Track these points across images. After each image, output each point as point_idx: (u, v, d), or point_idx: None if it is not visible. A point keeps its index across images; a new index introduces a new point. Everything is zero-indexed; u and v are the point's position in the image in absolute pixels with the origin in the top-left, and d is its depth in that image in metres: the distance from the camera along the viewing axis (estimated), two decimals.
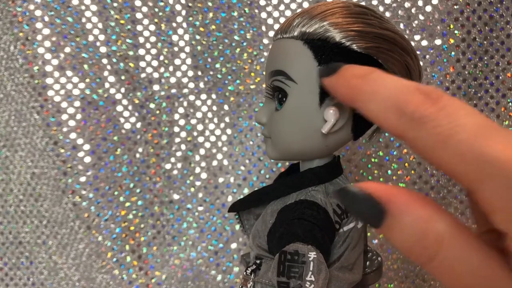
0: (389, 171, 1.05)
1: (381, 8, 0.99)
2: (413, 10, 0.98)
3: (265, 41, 1.03)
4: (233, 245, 1.08)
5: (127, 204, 1.07)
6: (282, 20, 1.02)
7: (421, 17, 0.98)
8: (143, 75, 1.04)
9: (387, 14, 0.99)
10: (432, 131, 0.22)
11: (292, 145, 0.59)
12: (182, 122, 1.06)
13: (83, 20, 1.01)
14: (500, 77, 1.00)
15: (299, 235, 0.53)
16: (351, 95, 0.27)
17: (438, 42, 0.99)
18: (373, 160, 1.05)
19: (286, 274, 0.51)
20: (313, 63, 0.54)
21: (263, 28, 1.02)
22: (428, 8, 0.98)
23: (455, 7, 0.97)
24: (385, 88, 0.24)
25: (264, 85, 1.04)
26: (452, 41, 0.98)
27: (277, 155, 0.61)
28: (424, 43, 0.98)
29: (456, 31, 0.98)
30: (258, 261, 0.62)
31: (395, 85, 0.24)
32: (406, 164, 1.04)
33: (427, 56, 0.99)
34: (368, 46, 0.53)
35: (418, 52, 0.96)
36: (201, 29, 1.03)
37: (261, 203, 0.64)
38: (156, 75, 1.04)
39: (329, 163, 0.62)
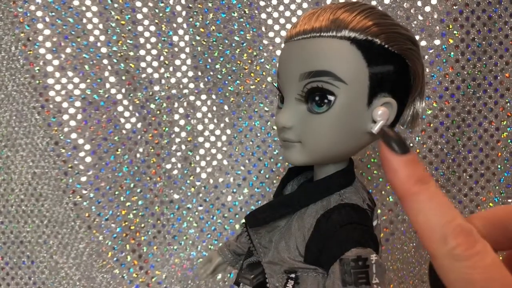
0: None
1: (380, 9, 0.99)
2: (412, 11, 0.98)
3: (265, 41, 1.03)
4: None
5: (128, 203, 1.07)
6: (282, 21, 1.02)
7: (420, 17, 0.98)
8: (143, 75, 1.04)
9: None
10: (464, 270, 0.27)
11: (331, 148, 0.56)
12: (182, 122, 1.06)
13: (84, 21, 1.01)
14: (499, 78, 1.00)
15: (358, 240, 0.51)
16: (406, 191, 0.30)
17: (437, 42, 0.99)
18: (372, 160, 1.05)
19: (354, 282, 0.49)
20: (363, 63, 0.52)
21: (263, 28, 1.03)
22: (427, 9, 0.98)
23: (454, 7, 0.97)
24: (438, 210, 0.29)
25: (264, 85, 1.05)
26: (451, 41, 0.98)
27: (306, 160, 0.57)
28: (423, 43, 0.98)
29: (455, 32, 0.98)
30: (292, 275, 0.58)
31: (445, 213, 0.29)
32: None
33: (426, 57, 0.99)
34: (404, 48, 0.54)
35: None
36: (201, 30, 1.03)
37: (288, 214, 0.60)
38: (156, 75, 1.05)
39: (351, 165, 0.61)
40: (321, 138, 0.55)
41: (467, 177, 1.04)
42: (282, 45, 0.62)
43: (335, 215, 0.54)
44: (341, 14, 0.53)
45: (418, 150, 1.03)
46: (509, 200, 1.04)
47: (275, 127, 1.04)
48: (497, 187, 1.04)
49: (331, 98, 0.53)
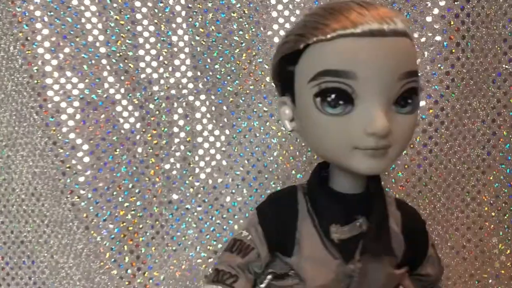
0: (387, 172, 1.03)
1: None
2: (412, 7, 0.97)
3: (264, 41, 1.02)
4: None
5: (126, 204, 1.07)
6: (281, 20, 1.01)
7: (420, 13, 0.97)
8: (142, 75, 1.04)
9: None
10: None
11: (406, 148, 0.59)
12: (181, 122, 1.06)
13: (83, 20, 1.02)
14: (502, 75, 0.98)
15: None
16: None
17: (438, 38, 0.97)
18: None
19: None
20: None
21: (262, 28, 1.02)
22: (428, 4, 0.97)
23: (455, 3, 0.95)
24: None
25: (263, 85, 1.04)
26: (452, 38, 0.97)
27: (389, 166, 0.56)
28: (424, 39, 0.96)
29: (456, 28, 0.96)
30: None
31: None
32: (406, 166, 1.02)
33: (427, 54, 0.97)
34: None
35: (417, 49, 0.96)
36: (201, 29, 1.03)
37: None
38: (155, 75, 1.04)
39: None
40: (409, 139, 0.55)
41: (469, 176, 1.02)
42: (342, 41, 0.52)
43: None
44: (390, 11, 0.53)
45: (420, 151, 1.01)
46: (498, 199, 1.02)
47: (274, 127, 1.03)
48: (486, 186, 1.03)
49: (416, 98, 0.54)
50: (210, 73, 1.04)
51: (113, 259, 1.08)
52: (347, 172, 0.57)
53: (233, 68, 1.04)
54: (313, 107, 0.53)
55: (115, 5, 1.02)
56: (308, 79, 0.53)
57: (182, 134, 1.06)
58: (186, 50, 1.04)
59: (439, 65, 0.98)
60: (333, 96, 0.52)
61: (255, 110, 1.04)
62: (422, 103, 0.98)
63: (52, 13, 1.01)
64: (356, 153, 0.52)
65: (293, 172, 1.05)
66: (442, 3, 0.96)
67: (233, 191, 1.07)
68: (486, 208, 1.03)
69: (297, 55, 0.55)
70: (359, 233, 0.56)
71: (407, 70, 0.51)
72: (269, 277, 0.60)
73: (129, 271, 1.08)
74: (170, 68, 1.04)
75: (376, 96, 0.51)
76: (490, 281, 1.04)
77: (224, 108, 1.05)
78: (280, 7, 1.01)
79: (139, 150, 1.06)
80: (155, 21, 1.03)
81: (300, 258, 0.59)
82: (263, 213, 0.63)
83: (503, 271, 1.04)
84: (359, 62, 0.50)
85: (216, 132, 1.06)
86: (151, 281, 1.08)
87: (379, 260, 0.56)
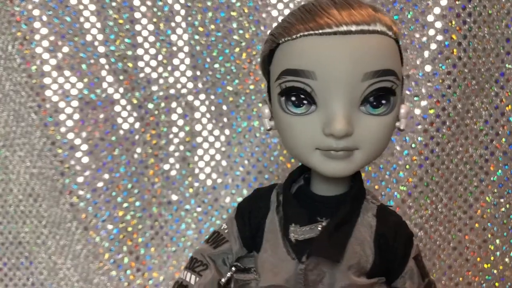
0: (389, 173, 1.02)
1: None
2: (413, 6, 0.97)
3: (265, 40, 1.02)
4: None
5: (125, 205, 1.06)
6: (281, 19, 1.00)
7: (421, 13, 0.96)
8: (141, 75, 1.03)
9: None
10: None
11: (381, 152, 0.55)
12: (180, 122, 1.05)
13: (81, 19, 1.01)
14: (505, 75, 0.98)
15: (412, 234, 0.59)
16: None
17: (439, 38, 0.97)
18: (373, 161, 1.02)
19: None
20: (400, 62, 0.54)
21: (262, 27, 1.01)
22: (429, 4, 0.96)
23: (457, 2, 0.95)
24: None
25: (263, 85, 1.03)
26: (454, 37, 0.96)
27: (356, 169, 0.54)
28: (425, 39, 0.96)
29: (457, 27, 0.96)
30: None
31: None
32: (407, 166, 1.01)
33: (428, 54, 0.97)
34: None
35: (418, 49, 0.95)
36: (200, 28, 1.02)
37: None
38: (154, 75, 1.04)
39: None
40: (382, 142, 0.53)
41: (472, 177, 1.02)
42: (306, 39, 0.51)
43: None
44: (377, 11, 0.52)
45: (421, 151, 1.01)
46: (501, 200, 1.01)
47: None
48: (489, 187, 1.02)
49: (392, 98, 0.52)
50: (210, 73, 1.03)
51: (112, 260, 1.07)
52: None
53: (232, 68, 1.03)
54: (278, 106, 0.53)
55: (113, 4, 1.01)
56: (275, 78, 0.53)
57: (182, 134, 1.06)
58: (186, 49, 1.03)
59: (440, 65, 0.97)
60: (295, 95, 0.52)
61: (255, 110, 1.04)
62: (423, 103, 0.98)
63: (50, 12, 1.00)
64: (318, 153, 0.52)
65: None
66: (443, 3, 0.96)
67: (233, 191, 1.06)
68: (489, 210, 1.02)
69: (271, 55, 0.55)
70: (318, 235, 0.55)
71: (374, 69, 0.49)
72: (232, 269, 0.61)
73: (128, 272, 1.07)
74: (169, 68, 1.03)
75: (337, 96, 0.50)
76: (494, 282, 1.03)
77: (224, 108, 1.04)
78: (280, 6, 1.01)
79: (138, 150, 1.05)
80: (154, 20, 1.02)
81: (262, 255, 0.59)
82: (240, 208, 0.64)
83: (507, 273, 1.03)
84: (319, 62, 0.49)
85: (216, 132, 1.05)
86: (150, 281, 1.07)
87: (334, 266, 0.54)
